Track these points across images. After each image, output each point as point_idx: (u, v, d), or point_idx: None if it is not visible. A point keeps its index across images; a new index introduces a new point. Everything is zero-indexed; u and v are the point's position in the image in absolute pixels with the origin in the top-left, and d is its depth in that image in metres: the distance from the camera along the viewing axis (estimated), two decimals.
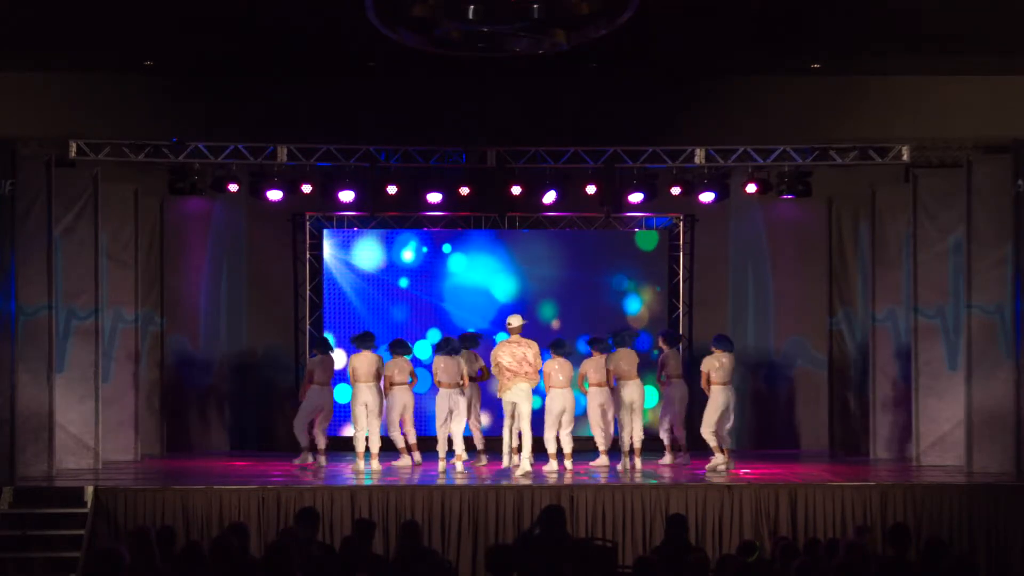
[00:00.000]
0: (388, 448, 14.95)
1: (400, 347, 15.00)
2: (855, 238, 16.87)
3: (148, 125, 15.21)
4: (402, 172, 16.09)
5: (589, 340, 15.14)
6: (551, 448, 14.60)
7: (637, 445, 14.70)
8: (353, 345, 14.95)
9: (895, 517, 12.70)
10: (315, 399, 15.06)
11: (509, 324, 14.46)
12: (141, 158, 15.51)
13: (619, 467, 14.61)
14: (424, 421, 15.67)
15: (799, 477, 13.87)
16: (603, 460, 14.67)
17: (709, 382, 14.55)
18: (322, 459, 14.82)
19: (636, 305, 17.31)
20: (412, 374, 14.94)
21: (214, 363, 17.10)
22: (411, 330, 17.00)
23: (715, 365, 14.52)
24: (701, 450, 15.01)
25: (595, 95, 15.29)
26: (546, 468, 14.37)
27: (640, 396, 14.76)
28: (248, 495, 12.81)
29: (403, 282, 17.21)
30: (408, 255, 17.24)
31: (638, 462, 14.66)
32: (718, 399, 14.49)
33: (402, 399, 14.79)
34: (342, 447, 15.31)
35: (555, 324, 17.17)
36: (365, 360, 14.68)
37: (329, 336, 16.10)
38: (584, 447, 14.90)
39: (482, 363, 15.12)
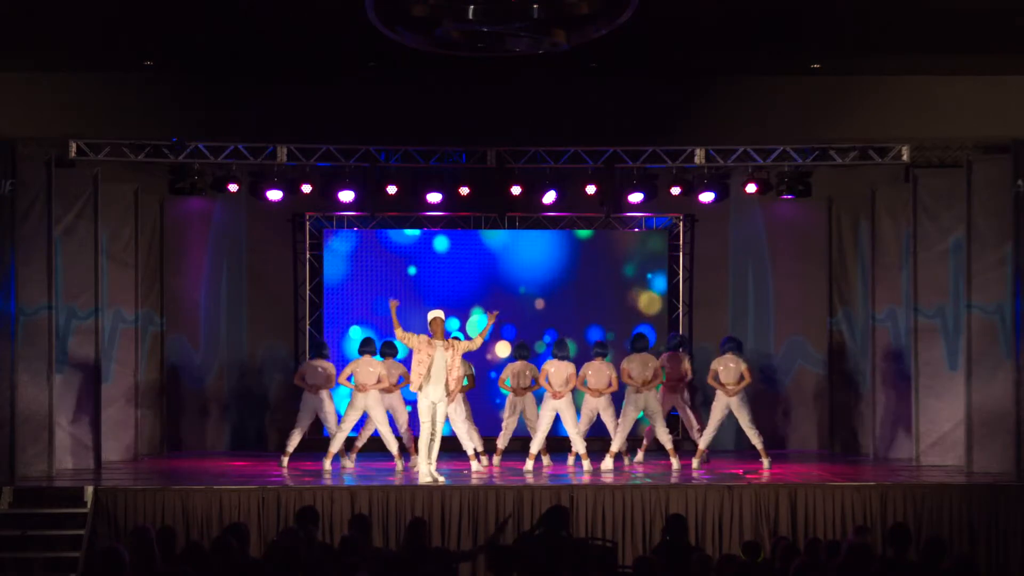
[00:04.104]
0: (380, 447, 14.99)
1: (367, 346, 14.88)
2: (855, 238, 16.86)
3: (148, 125, 15.19)
4: (402, 172, 16.10)
5: (594, 344, 15.20)
6: (533, 448, 14.65)
7: (669, 447, 14.76)
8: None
9: (895, 517, 12.70)
10: (304, 403, 15.05)
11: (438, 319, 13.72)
12: (141, 158, 15.51)
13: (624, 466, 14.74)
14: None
15: (799, 477, 13.87)
16: (587, 464, 14.62)
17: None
18: (326, 462, 14.71)
19: (642, 301, 17.35)
20: (382, 377, 14.66)
21: (214, 363, 17.10)
22: (412, 330, 16.97)
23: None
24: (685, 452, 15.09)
25: (595, 95, 15.29)
26: (524, 468, 14.44)
27: (656, 403, 14.75)
28: (248, 495, 12.81)
29: (403, 282, 17.21)
30: (408, 255, 17.24)
31: (640, 456, 14.80)
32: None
33: (363, 400, 14.59)
34: (367, 447, 15.26)
35: (539, 304, 17.19)
36: (366, 365, 14.66)
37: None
38: (592, 448, 14.88)
39: (471, 370, 15.12)
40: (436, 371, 13.42)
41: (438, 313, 13.67)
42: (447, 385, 13.43)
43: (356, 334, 16.97)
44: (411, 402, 15.44)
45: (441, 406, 13.53)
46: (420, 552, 9.73)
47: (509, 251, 17.33)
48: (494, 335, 17.19)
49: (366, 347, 14.81)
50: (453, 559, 11.32)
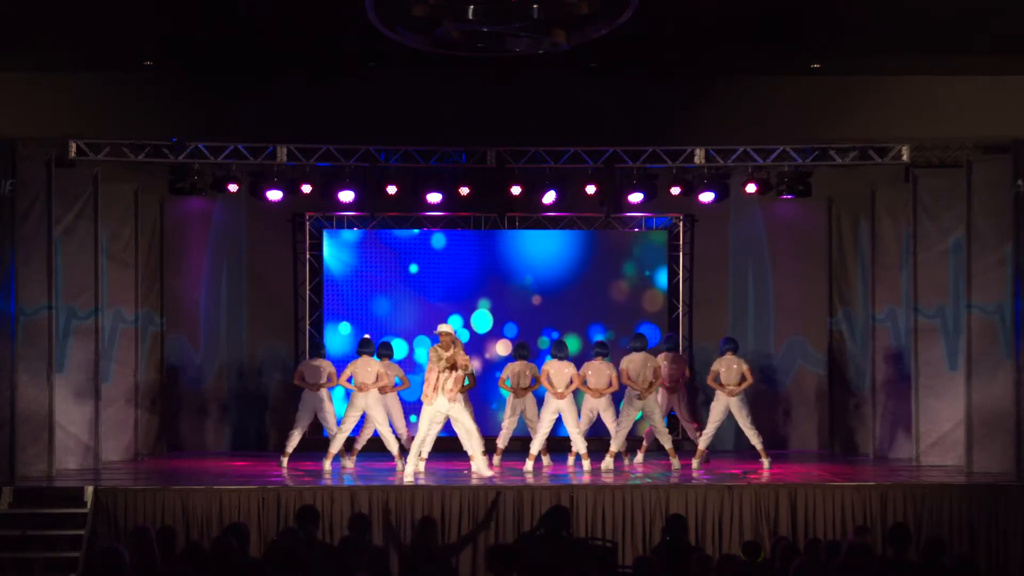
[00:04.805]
0: (379, 447, 14.98)
1: (366, 346, 14.90)
2: (855, 238, 16.86)
3: (148, 125, 15.19)
4: (402, 172, 16.10)
5: (595, 343, 15.22)
6: (534, 449, 14.64)
7: (669, 447, 14.77)
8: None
9: (895, 517, 12.70)
10: (303, 402, 15.07)
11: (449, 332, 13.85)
12: (141, 158, 15.51)
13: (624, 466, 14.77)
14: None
15: (799, 477, 13.87)
16: (587, 464, 14.62)
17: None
18: (326, 463, 14.68)
19: (643, 301, 17.36)
20: (381, 375, 14.70)
21: (214, 363, 17.10)
22: (412, 330, 17.04)
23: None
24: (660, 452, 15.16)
25: (595, 95, 15.28)
26: (524, 468, 14.43)
27: (655, 403, 14.73)
28: (248, 495, 12.81)
29: (403, 282, 17.21)
30: (408, 255, 17.25)
31: (640, 456, 14.81)
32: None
33: (363, 400, 14.61)
34: (367, 447, 15.25)
35: (536, 299, 17.19)
36: (364, 365, 14.64)
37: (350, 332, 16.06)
38: (592, 448, 14.89)
39: (471, 369, 15.13)
40: (441, 383, 13.59)
41: (446, 328, 13.73)
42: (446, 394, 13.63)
43: (346, 330, 16.99)
44: (407, 403, 15.49)
45: (444, 413, 13.65)
46: (423, 553, 9.75)
47: (510, 250, 17.33)
48: (495, 334, 17.19)
49: (364, 347, 14.79)
50: (453, 551, 11.35)
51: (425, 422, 13.69)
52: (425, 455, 13.93)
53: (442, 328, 13.77)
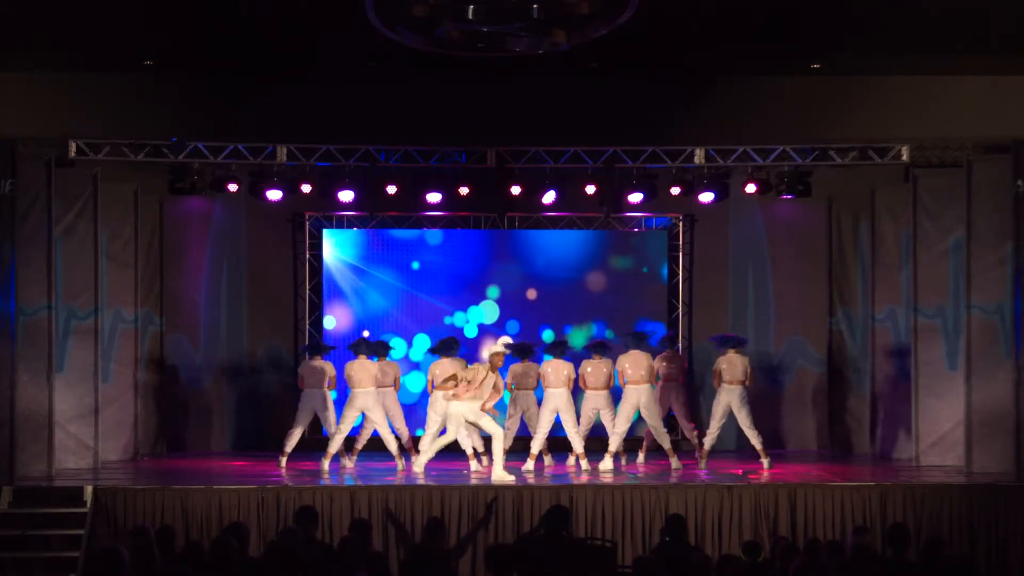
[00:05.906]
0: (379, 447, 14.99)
1: (359, 347, 14.92)
2: (855, 238, 16.86)
3: (148, 125, 15.21)
4: (402, 172, 16.09)
5: (592, 343, 15.21)
6: (535, 448, 14.63)
7: (667, 446, 14.77)
8: (350, 351, 15.01)
9: (895, 517, 12.71)
10: (303, 401, 15.06)
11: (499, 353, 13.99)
12: (141, 158, 15.51)
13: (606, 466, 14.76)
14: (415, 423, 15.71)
15: (799, 477, 13.86)
16: (584, 464, 14.62)
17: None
18: (325, 463, 14.67)
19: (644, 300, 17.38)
20: (377, 377, 14.74)
21: (214, 363, 17.09)
22: (412, 329, 17.03)
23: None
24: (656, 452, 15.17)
25: (595, 95, 15.29)
26: (524, 467, 14.40)
27: (653, 402, 14.73)
28: (248, 495, 12.82)
29: (403, 281, 17.21)
30: (408, 255, 17.24)
31: (641, 457, 14.84)
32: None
33: (362, 401, 14.63)
34: (367, 447, 15.26)
35: (531, 294, 17.19)
36: (361, 366, 14.64)
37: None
38: (591, 447, 14.89)
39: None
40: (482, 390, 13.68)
41: (499, 349, 13.81)
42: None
43: (331, 324, 16.98)
44: (406, 405, 15.49)
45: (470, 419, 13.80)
46: (423, 553, 9.74)
47: (510, 249, 17.31)
48: (497, 331, 17.17)
49: (357, 349, 14.78)
50: (451, 556, 11.31)
51: (439, 424, 13.76)
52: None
53: (496, 348, 13.80)
